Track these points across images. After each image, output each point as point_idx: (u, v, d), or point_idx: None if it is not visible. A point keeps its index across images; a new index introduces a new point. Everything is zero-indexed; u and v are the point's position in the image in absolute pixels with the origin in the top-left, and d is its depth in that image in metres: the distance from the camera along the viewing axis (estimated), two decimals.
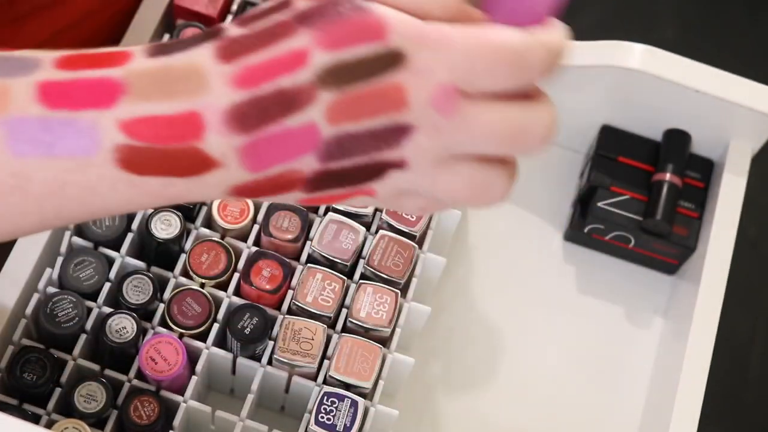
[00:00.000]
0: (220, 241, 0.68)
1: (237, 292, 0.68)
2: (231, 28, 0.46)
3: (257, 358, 0.66)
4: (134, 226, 0.68)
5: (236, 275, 0.68)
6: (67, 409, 0.64)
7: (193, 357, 0.66)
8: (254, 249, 0.68)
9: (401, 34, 0.46)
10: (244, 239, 0.69)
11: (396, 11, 0.46)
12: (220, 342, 0.67)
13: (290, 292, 0.67)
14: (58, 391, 0.64)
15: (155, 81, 0.45)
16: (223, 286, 0.68)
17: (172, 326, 0.66)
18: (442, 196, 0.49)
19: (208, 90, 0.45)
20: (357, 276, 0.68)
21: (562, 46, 0.49)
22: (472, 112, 0.47)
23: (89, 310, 0.66)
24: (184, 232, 0.68)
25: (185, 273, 0.68)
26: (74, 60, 0.47)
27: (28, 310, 0.65)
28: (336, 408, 0.64)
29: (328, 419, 0.64)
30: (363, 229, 0.69)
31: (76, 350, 0.65)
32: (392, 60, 0.46)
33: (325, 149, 0.46)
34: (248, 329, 0.65)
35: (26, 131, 0.45)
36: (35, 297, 0.66)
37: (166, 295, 0.66)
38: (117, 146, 0.45)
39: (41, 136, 0.45)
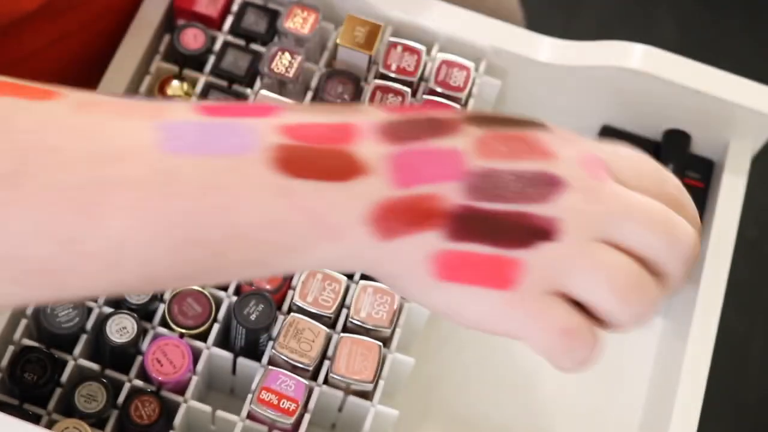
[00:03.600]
0: None
1: (237, 292, 0.68)
2: None
3: (258, 357, 0.66)
4: None
5: None
6: (68, 409, 0.64)
7: (193, 357, 0.66)
8: None
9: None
10: None
11: None
12: (221, 342, 0.67)
13: (290, 292, 0.67)
14: (58, 391, 0.64)
15: (312, 107, 0.48)
16: (224, 287, 0.68)
17: (173, 326, 0.66)
18: (600, 280, 0.49)
19: (363, 113, 0.47)
20: (357, 276, 0.69)
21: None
22: (623, 191, 0.48)
23: (89, 310, 0.66)
24: None
25: None
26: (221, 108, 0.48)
27: (29, 310, 0.65)
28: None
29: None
30: None
31: (77, 350, 0.65)
32: (535, 124, 0.49)
33: (471, 181, 0.46)
34: (254, 315, 0.65)
35: (183, 129, 0.45)
36: None
37: (167, 295, 0.67)
38: (272, 145, 0.45)
39: (198, 137, 0.45)
